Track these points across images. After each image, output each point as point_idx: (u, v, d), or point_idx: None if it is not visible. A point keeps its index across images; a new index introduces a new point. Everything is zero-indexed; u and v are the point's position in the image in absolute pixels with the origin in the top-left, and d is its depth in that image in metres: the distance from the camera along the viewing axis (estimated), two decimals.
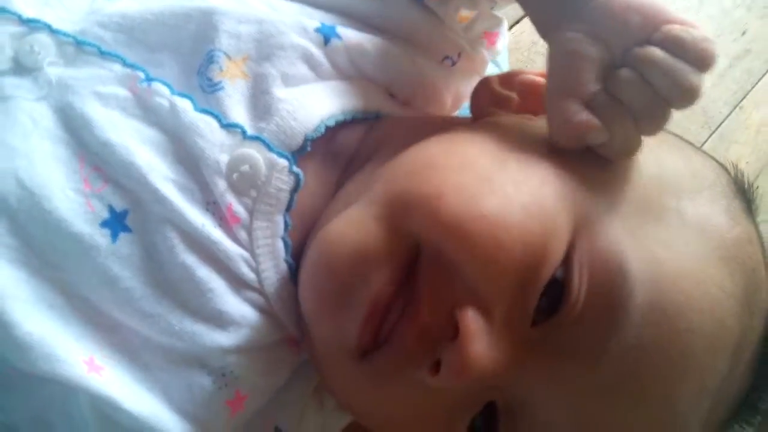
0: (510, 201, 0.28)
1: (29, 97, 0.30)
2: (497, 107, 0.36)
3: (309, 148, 0.33)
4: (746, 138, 1.07)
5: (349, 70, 0.36)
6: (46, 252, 0.30)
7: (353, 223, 0.30)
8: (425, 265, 0.29)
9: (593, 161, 0.31)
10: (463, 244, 0.28)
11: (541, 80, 0.36)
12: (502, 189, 0.29)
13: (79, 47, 0.31)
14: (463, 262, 0.28)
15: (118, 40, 0.32)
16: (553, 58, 0.31)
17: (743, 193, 0.35)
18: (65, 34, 0.31)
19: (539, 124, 0.34)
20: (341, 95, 0.35)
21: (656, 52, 0.28)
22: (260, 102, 0.33)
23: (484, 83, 0.37)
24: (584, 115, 0.29)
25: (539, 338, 0.29)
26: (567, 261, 0.28)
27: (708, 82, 1.08)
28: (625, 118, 0.29)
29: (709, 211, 0.32)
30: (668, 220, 0.30)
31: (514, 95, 0.36)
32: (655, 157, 0.33)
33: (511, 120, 0.35)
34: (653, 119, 0.30)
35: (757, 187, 0.37)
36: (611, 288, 0.28)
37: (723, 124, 1.05)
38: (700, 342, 0.29)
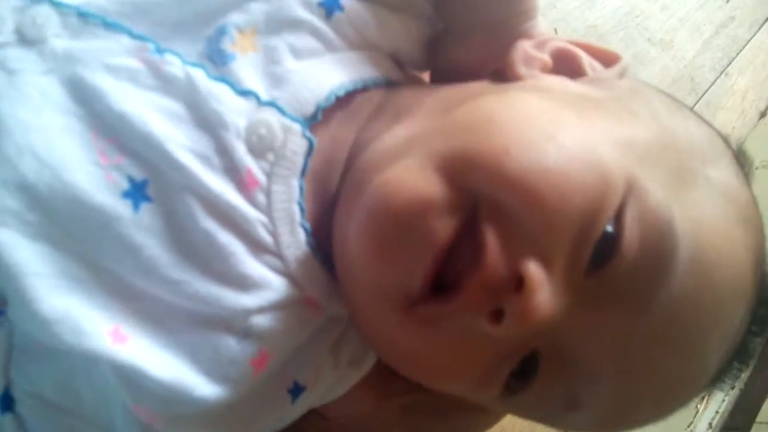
0: (572, 157, 0.30)
1: (36, 70, 0.30)
2: (531, 69, 0.37)
3: (320, 118, 0.34)
4: (732, 104, 1.09)
5: (357, 40, 0.36)
6: (68, 225, 0.30)
7: (413, 172, 0.30)
8: (487, 219, 0.30)
9: (636, 126, 0.33)
10: (529, 198, 0.29)
11: (574, 47, 0.38)
12: (564, 146, 0.30)
13: (82, 19, 0.31)
14: (528, 215, 0.29)
15: (123, 13, 0.32)
16: None
17: (739, 160, 0.38)
18: (67, 6, 0.31)
19: (578, 87, 0.36)
20: (350, 66, 0.36)
21: None
22: (272, 72, 0.33)
23: (518, 46, 0.38)
24: None
25: (591, 288, 0.30)
26: (619, 216, 0.30)
27: (693, 49, 1.09)
28: None
29: (728, 176, 0.34)
30: (698, 184, 0.32)
31: (547, 58, 0.38)
32: (685, 128, 0.35)
33: (554, 81, 0.36)
34: None
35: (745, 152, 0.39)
36: (660, 241, 0.30)
37: (709, 91, 1.07)
38: (728, 293, 0.32)
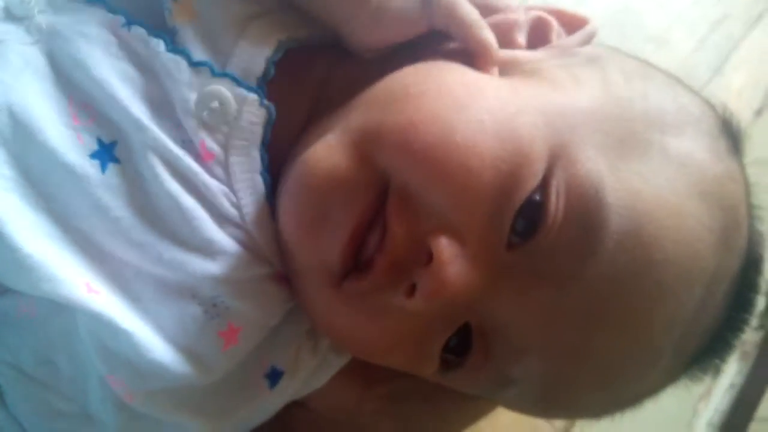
0: (483, 129, 0.29)
1: (22, 41, 0.31)
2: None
3: (273, 72, 0.33)
4: (728, 101, 1.08)
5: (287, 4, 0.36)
6: (41, 183, 0.30)
7: (330, 148, 0.30)
8: (393, 196, 0.29)
9: (578, 94, 0.32)
10: (434, 174, 0.28)
11: (549, 16, 0.37)
12: (477, 117, 0.29)
13: None
14: (434, 191, 0.28)
15: None
16: None
17: (730, 133, 0.36)
18: None
19: (527, 55, 0.35)
20: (292, 22, 0.35)
21: None
22: (215, 37, 0.33)
23: (511, 26, 0.36)
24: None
25: (515, 262, 0.29)
26: (544, 187, 0.29)
27: (689, 47, 1.09)
28: None
29: (692, 146, 0.32)
30: (650, 154, 0.31)
31: (523, 42, 0.36)
32: (643, 92, 0.34)
33: (506, 53, 0.35)
34: None
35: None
36: (586, 214, 0.28)
37: (705, 89, 1.06)
38: (673, 272, 0.29)
